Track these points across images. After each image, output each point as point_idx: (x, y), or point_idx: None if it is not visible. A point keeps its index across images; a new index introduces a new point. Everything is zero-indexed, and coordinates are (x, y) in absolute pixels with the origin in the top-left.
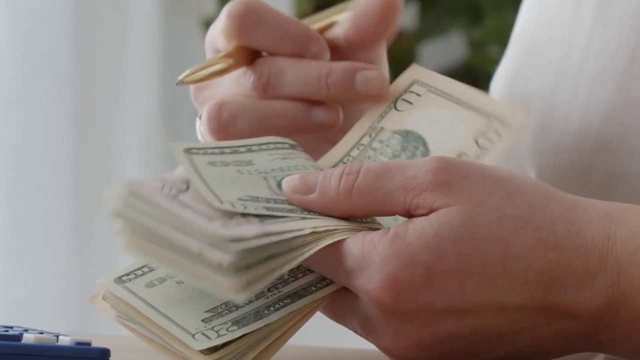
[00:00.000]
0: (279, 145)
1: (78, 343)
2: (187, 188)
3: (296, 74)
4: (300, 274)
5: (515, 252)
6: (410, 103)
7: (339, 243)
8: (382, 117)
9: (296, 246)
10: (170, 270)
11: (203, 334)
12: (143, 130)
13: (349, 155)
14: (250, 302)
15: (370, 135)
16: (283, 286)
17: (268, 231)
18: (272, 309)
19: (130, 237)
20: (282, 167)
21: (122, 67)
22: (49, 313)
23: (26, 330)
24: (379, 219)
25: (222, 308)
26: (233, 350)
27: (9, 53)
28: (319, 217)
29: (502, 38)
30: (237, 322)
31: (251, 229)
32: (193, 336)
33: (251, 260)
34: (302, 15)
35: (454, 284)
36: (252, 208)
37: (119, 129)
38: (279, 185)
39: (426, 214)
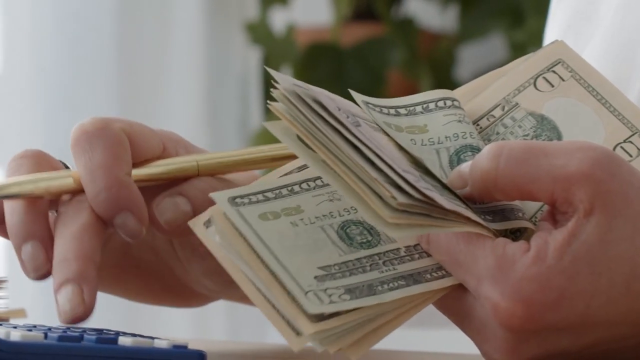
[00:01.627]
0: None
1: (175, 346)
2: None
3: None
4: (417, 255)
5: (639, 272)
6: (552, 85)
7: (475, 244)
8: (519, 91)
9: (449, 218)
10: (331, 174)
11: (316, 294)
12: (186, 132)
13: (478, 125)
14: (364, 271)
15: (503, 108)
16: (398, 263)
17: (436, 196)
18: (385, 286)
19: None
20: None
21: (165, 69)
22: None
23: (119, 333)
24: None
25: (335, 269)
26: (341, 324)
27: (54, 56)
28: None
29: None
30: (350, 291)
31: (426, 185)
32: (306, 294)
33: (413, 210)
34: (343, 19)
35: (580, 305)
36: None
37: None
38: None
39: (568, 217)
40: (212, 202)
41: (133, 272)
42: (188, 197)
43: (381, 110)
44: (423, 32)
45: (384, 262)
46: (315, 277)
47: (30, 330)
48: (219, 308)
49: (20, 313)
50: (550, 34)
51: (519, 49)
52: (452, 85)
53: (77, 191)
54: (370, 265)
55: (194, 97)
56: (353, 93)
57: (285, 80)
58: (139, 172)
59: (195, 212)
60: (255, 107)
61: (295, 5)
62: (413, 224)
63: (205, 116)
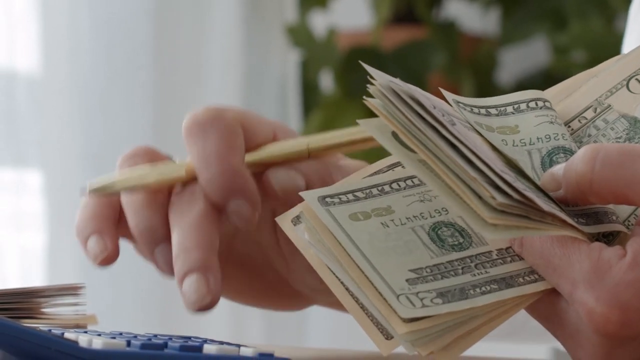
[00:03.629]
0: None
1: (261, 354)
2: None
3: None
4: (509, 258)
5: None
6: None
7: (571, 248)
8: (611, 93)
9: (546, 221)
10: (427, 173)
11: (408, 297)
12: None
13: (569, 126)
14: (456, 274)
15: (595, 110)
16: (490, 267)
17: (534, 198)
18: (477, 290)
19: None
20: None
21: (202, 73)
22: (128, 317)
23: (205, 341)
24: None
25: (427, 272)
26: (433, 326)
27: (91, 61)
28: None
29: (588, 43)
30: (442, 295)
31: (523, 187)
32: (397, 297)
33: (511, 210)
34: (383, 23)
35: None
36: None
37: None
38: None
39: None
40: (321, 184)
41: (237, 269)
42: (302, 173)
43: (472, 109)
44: (464, 35)
45: (475, 265)
46: (407, 280)
47: (114, 338)
48: (256, 311)
49: (92, 319)
50: (630, 38)
51: (561, 53)
52: (493, 89)
53: (189, 181)
54: (462, 268)
55: (231, 100)
56: (444, 92)
57: (381, 76)
58: (251, 157)
59: (307, 189)
60: (293, 111)
61: (334, 8)
62: (511, 225)
63: None
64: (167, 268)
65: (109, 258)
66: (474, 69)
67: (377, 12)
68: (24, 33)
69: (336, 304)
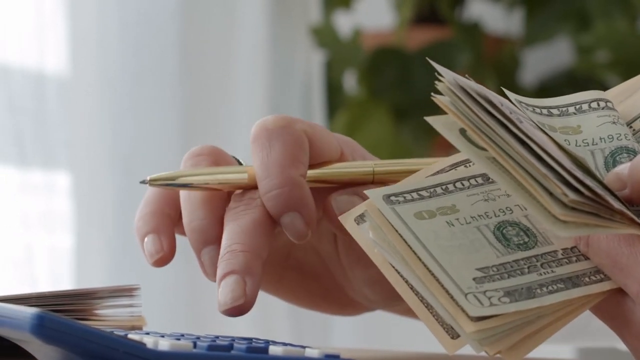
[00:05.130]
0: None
1: (327, 355)
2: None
3: None
4: (574, 257)
5: None
6: None
7: (638, 247)
8: None
9: (615, 219)
10: (496, 169)
11: (475, 296)
12: (249, 135)
13: (631, 127)
14: (522, 274)
15: None
16: (557, 266)
17: (605, 195)
18: (545, 289)
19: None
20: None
21: (229, 74)
22: (155, 317)
23: (268, 342)
24: None
25: (493, 271)
26: (501, 325)
27: (119, 61)
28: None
29: (612, 43)
30: (509, 294)
31: (593, 184)
32: (465, 296)
33: (582, 208)
34: (406, 23)
35: None
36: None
37: (227, 137)
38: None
39: None
40: None
41: (294, 273)
42: (363, 199)
43: (534, 109)
44: (487, 36)
45: (541, 265)
46: (474, 279)
47: (179, 339)
48: (282, 310)
49: (140, 321)
50: None
51: (585, 53)
52: (516, 90)
53: (250, 187)
54: (529, 268)
55: (257, 100)
56: (507, 92)
57: (448, 73)
58: (315, 173)
59: None
60: (317, 111)
61: (358, 9)
62: (581, 223)
63: None
64: (212, 270)
65: (164, 259)
66: (497, 70)
67: (400, 12)
68: (52, 34)
69: (403, 311)
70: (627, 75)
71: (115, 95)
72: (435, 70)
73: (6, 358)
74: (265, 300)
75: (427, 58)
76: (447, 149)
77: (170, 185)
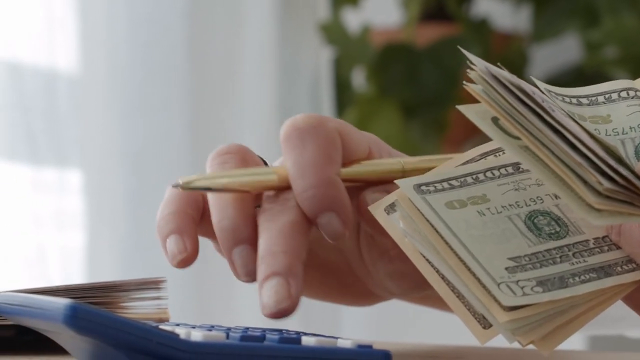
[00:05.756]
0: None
1: (360, 346)
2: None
3: None
4: (606, 247)
5: None
6: None
7: None
8: None
9: None
10: (529, 158)
11: (508, 286)
12: (259, 134)
13: None
14: (554, 263)
15: None
16: (588, 255)
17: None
18: (577, 279)
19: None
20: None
21: (238, 72)
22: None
23: (300, 334)
24: None
25: (525, 260)
26: (534, 314)
27: (128, 59)
28: None
29: (620, 39)
30: (542, 283)
31: (626, 173)
32: (498, 285)
33: (617, 196)
34: (414, 20)
35: None
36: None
37: (235, 134)
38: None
39: None
40: None
41: (314, 270)
42: None
43: (563, 99)
44: (496, 32)
45: (573, 254)
46: (507, 268)
47: (210, 330)
48: None
49: (166, 314)
50: None
51: (593, 49)
52: None
53: (280, 188)
54: (560, 257)
55: (265, 98)
56: (536, 80)
57: (480, 62)
58: (346, 171)
59: None
60: (326, 108)
61: (366, 6)
62: (615, 211)
63: (277, 117)
64: (243, 270)
65: (187, 259)
66: (505, 66)
67: (408, 9)
68: (63, 33)
69: (410, 298)
70: (636, 71)
71: (125, 93)
72: (443, 66)
73: (28, 353)
74: None
75: (459, 47)
76: (457, 145)
77: (196, 189)
